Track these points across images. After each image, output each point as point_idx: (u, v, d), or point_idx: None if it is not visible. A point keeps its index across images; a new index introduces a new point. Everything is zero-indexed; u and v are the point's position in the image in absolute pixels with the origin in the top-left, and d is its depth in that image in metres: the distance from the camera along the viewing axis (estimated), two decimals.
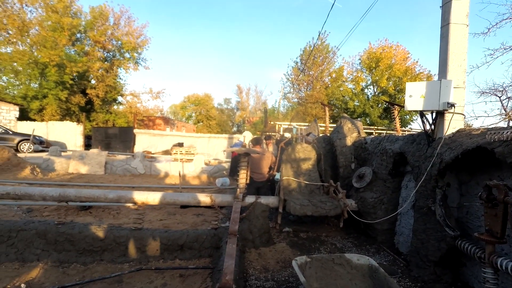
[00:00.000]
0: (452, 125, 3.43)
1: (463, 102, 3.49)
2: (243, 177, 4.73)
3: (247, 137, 7.82)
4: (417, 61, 25.31)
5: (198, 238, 4.20)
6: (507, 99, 11.03)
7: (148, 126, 29.74)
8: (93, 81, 25.63)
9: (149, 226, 5.05)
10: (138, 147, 18.20)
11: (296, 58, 29.71)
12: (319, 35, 27.26)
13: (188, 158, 13.38)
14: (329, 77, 28.83)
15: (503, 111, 11.21)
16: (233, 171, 6.14)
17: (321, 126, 10.84)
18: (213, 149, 19.82)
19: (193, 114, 49.69)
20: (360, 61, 26.75)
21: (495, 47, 11.32)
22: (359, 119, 24.16)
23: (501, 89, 10.98)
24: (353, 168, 5.88)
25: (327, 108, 8.19)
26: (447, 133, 3.43)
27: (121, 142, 19.83)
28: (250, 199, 4.80)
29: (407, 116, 23.58)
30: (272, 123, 16.21)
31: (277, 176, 5.54)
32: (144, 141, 19.01)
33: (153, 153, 16.67)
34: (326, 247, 4.73)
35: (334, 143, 6.23)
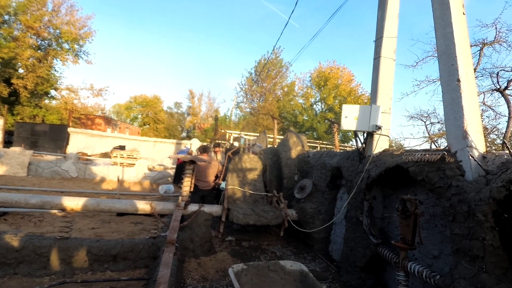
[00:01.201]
0: (379, 145, 3.89)
1: (389, 125, 3.99)
2: (187, 185, 4.64)
3: (194, 144, 7.68)
4: (360, 84, 27.96)
5: (134, 248, 3.97)
6: (430, 124, 12.87)
7: (86, 125, 27.17)
8: (21, 70, 22.61)
9: (78, 235, 4.61)
10: (72, 148, 16.50)
11: (251, 69, 30.41)
12: (273, 49, 28.40)
13: (130, 162, 12.59)
14: (281, 91, 30.07)
15: (427, 134, 13.02)
16: (178, 178, 5.96)
17: (270, 138, 11.21)
18: (158, 154, 18.95)
19: (139, 116, 46.94)
20: (310, 78, 28.54)
21: (421, 79, 13.16)
22: (307, 133, 25.62)
23: (426, 115, 12.79)
24: (296, 179, 6.21)
25: (275, 121, 8.54)
26: (375, 152, 3.88)
27: (51, 141, 17.72)
28: (193, 207, 4.71)
29: (350, 133, 25.69)
30: (222, 131, 16.21)
31: (223, 185, 5.57)
32: (80, 141, 17.31)
33: (90, 155, 15.29)
34: (266, 255, 4.87)
35: (280, 155, 6.51)
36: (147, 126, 44.61)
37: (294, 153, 6.25)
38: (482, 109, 10.83)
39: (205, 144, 6.25)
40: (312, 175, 5.68)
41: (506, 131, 9.33)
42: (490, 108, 10.85)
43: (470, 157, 2.33)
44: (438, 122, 12.69)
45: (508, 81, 9.85)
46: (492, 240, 2.12)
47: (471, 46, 10.50)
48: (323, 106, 27.82)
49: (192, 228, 4.58)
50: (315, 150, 6.29)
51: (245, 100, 31.12)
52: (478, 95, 10.50)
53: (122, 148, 15.39)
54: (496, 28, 10.01)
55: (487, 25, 10.14)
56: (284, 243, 5.50)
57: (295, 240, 5.60)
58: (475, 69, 10.52)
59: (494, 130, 10.78)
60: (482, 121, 10.90)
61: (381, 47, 3.94)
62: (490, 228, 2.10)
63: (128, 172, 11.89)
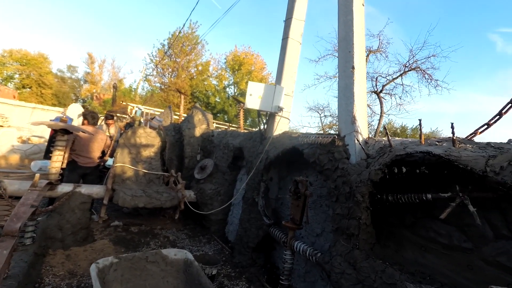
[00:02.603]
0: (280, 127, 3.88)
1: (290, 108, 4.03)
2: (57, 160, 3.72)
3: (72, 110, 6.35)
4: (270, 73, 29.03)
5: None
6: (324, 117, 14.73)
7: None
8: None
9: None
10: None
11: (164, 40, 27.81)
12: (190, 23, 26.57)
13: None
14: (195, 69, 28.66)
15: (320, 125, 14.89)
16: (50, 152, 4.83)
17: (176, 115, 10.40)
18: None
19: (16, 76, 37.46)
20: (225, 60, 28.08)
21: (322, 74, 14.69)
22: (218, 115, 25.31)
23: (322, 108, 14.57)
24: (199, 159, 5.86)
25: (183, 97, 7.88)
26: (275, 133, 3.86)
27: None
28: (65, 187, 3.84)
29: (258, 119, 26.66)
30: (124, 103, 14.30)
31: (110, 162, 4.75)
32: None
33: None
34: (157, 240, 4.42)
35: (183, 132, 6.01)
36: (28, 89, 36.10)
37: (198, 131, 5.86)
38: None
39: (91, 110, 5.20)
40: (215, 155, 5.43)
41: (377, 126, 11.24)
42: (368, 106, 12.92)
43: (360, 140, 2.45)
44: (330, 115, 14.68)
45: (383, 86, 11.83)
46: (365, 219, 2.27)
47: None
48: (235, 90, 27.93)
49: (61, 213, 3.73)
50: (219, 130, 6.05)
51: (155, 73, 28.47)
52: None
53: None
54: (379, 39, 11.80)
55: (373, 35, 11.83)
56: (180, 226, 5.15)
57: (192, 223, 5.32)
58: None
59: (369, 126, 12.94)
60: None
61: (289, 28, 3.88)
62: (365, 208, 2.24)
63: None
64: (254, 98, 3.66)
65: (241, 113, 5.98)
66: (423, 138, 2.07)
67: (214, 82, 27.91)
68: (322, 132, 13.66)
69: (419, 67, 11.66)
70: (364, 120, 2.69)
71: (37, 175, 3.12)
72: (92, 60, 41.25)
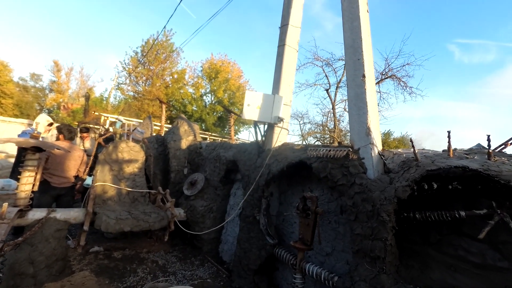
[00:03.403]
0: (279, 138, 3.67)
1: (289, 118, 3.84)
2: (27, 182, 3.22)
3: (42, 123, 5.73)
4: (248, 81, 28.97)
5: None
6: (303, 124, 14.93)
7: None
8: None
9: None
10: None
11: (137, 47, 26.92)
12: (164, 31, 25.97)
13: None
14: (171, 77, 27.93)
15: (301, 132, 15.08)
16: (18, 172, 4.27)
17: (156, 126, 9.88)
18: None
19: None
20: (202, 68, 27.69)
21: (302, 82, 14.93)
22: (196, 123, 24.78)
23: (301, 115, 14.81)
24: (186, 173, 5.48)
25: (164, 106, 7.46)
26: (275, 146, 3.63)
27: None
28: (37, 213, 3.34)
29: (236, 127, 26.35)
30: (96, 113, 13.43)
31: (89, 181, 4.27)
32: None
33: None
34: (145, 266, 4.00)
35: (168, 144, 5.62)
36: None
37: (184, 143, 5.49)
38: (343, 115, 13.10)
39: (67, 124, 4.69)
40: (204, 169, 5.09)
41: None
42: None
43: (377, 153, 2.28)
44: (309, 123, 14.96)
45: None
46: (391, 239, 2.09)
47: (340, 59, 12.33)
48: (212, 98, 27.54)
49: (33, 244, 3.23)
50: (208, 141, 5.73)
51: (128, 81, 27.36)
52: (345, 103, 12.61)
53: None
54: None
55: None
56: (168, 248, 4.73)
57: (181, 243, 4.92)
58: (340, 81, 12.45)
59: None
60: (344, 126, 13.13)
61: (286, 35, 3.71)
62: (392, 228, 2.06)
63: None
64: (252, 109, 3.42)
65: (232, 125, 5.71)
66: (451, 150, 1.94)
67: (191, 90, 27.34)
68: (302, 139, 13.67)
69: (394, 75, 12.12)
70: (378, 131, 2.55)
71: (5, 205, 2.64)
72: (58, 68, 38.77)
